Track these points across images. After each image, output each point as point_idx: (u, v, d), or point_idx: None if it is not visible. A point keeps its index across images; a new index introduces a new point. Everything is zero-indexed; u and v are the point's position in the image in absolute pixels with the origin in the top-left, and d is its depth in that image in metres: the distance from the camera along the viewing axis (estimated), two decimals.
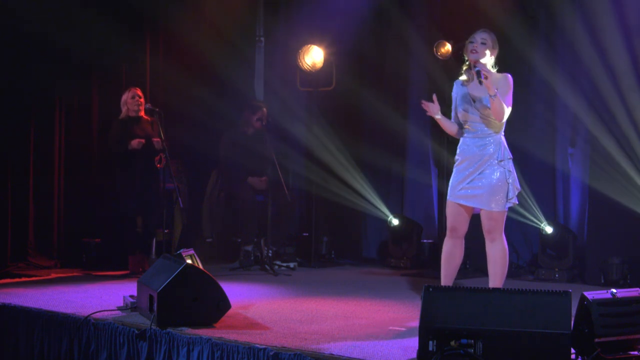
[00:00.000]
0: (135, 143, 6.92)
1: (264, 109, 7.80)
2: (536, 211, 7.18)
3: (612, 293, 3.69)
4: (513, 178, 4.76)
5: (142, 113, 7.12)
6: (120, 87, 7.49)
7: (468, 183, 4.78)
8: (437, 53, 7.21)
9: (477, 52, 4.77)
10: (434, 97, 4.90)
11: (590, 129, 6.89)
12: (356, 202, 8.27)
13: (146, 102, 7.19)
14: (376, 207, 8.21)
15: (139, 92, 7.16)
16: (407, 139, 8.09)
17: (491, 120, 4.76)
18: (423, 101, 4.91)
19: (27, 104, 7.58)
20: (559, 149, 7.35)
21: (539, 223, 7.11)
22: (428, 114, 4.92)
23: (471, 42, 4.81)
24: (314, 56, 7.96)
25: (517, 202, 4.81)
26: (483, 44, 4.79)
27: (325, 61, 7.97)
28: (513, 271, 7.40)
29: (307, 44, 7.98)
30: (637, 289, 3.83)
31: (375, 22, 8.25)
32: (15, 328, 5.15)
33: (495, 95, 4.64)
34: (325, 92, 8.19)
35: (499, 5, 7.22)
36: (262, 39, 8.86)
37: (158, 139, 6.89)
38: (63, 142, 7.80)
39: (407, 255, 7.89)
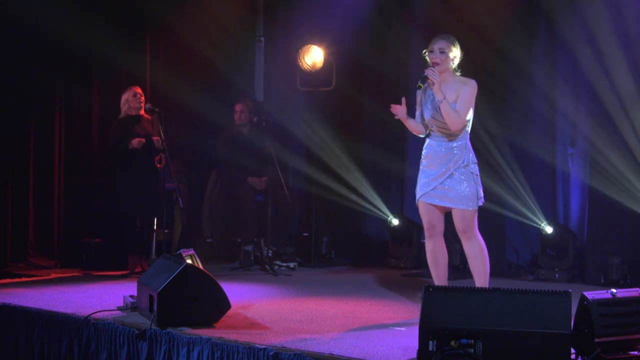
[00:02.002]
0: (135, 142, 6.89)
1: (241, 104, 7.77)
2: (536, 211, 7.18)
3: (612, 293, 3.69)
4: (479, 180, 4.84)
5: (142, 112, 7.11)
6: (120, 87, 7.47)
7: (441, 183, 4.82)
8: None
9: (438, 62, 4.78)
10: (403, 100, 4.91)
11: (590, 129, 6.89)
12: (356, 202, 8.26)
13: (146, 101, 7.18)
14: (376, 207, 8.20)
15: (140, 91, 7.12)
16: (407, 139, 8.08)
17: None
18: (392, 105, 4.92)
19: (27, 104, 7.58)
20: (559, 149, 7.34)
21: (539, 223, 7.11)
22: (396, 117, 4.93)
23: (431, 52, 4.82)
24: (314, 56, 7.96)
25: (483, 201, 4.87)
26: (442, 52, 4.79)
27: (325, 61, 7.97)
28: (513, 271, 7.42)
29: (307, 44, 7.98)
30: (637, 289, 3.82)
31: (376, 22, 8.24)
32: (15, 328, 5.15)
33: (442, 101, 4.70)
34: (325, 92, 8.18)
35: (499, 5, 7.22)
36: (262, 39, 8.84)
37: (158, 138, 6.87)
38: (63, 142, 7.81)
39: (407, 255, 7.89)
